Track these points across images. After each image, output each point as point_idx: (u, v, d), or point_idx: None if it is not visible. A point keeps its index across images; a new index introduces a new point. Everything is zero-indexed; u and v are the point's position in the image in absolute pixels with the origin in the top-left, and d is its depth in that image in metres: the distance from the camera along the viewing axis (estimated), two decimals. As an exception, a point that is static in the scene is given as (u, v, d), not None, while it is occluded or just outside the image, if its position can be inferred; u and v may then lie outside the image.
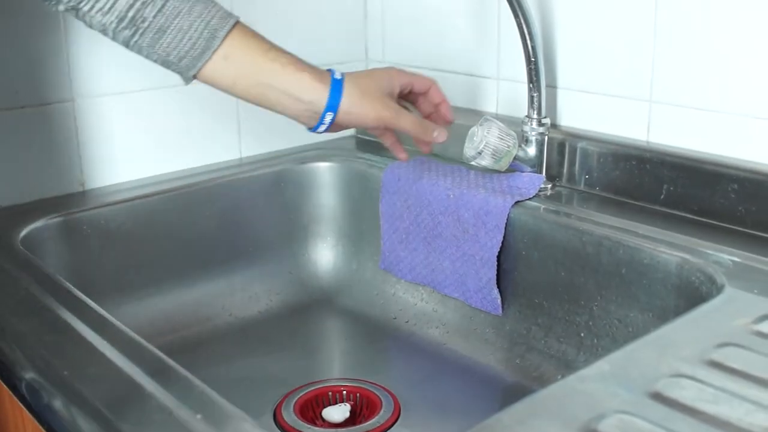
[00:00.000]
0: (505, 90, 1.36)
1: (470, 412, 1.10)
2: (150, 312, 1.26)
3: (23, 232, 1.11)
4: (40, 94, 1.23)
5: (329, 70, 1.06)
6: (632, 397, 0.68)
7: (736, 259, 0.97)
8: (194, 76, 1.03)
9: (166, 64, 1.02)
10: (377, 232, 1.33)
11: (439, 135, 1.10)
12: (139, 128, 1.33)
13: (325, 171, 1.44)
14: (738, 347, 0.76)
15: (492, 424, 0.66)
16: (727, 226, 1.08)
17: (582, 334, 1.12)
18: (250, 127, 1.45)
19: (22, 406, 0.81)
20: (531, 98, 1.20)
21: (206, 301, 1.30)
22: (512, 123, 1.23)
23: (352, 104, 1.05)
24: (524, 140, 1.21)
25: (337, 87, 1.04)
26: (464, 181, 1.23)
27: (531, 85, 1.19)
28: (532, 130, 1.21)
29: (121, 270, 1.24)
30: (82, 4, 0.97)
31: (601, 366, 0.74)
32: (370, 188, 1.37)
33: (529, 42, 1.17)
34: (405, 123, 1.08)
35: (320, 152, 1.47)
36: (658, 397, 0.68)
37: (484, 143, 1.12)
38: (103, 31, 1.00)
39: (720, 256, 0.98)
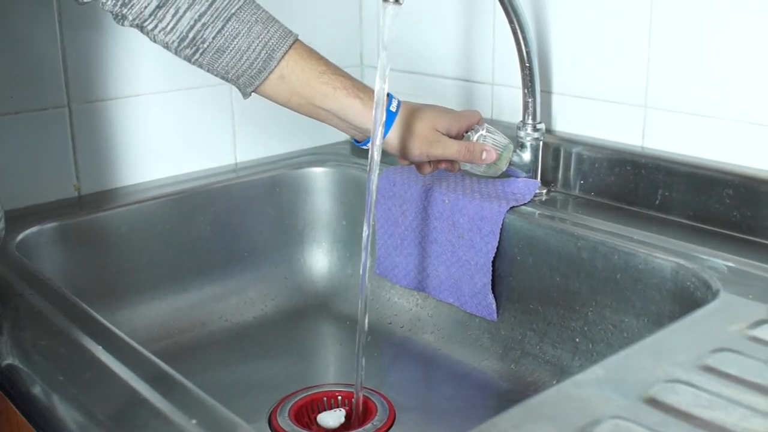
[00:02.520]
0: (499, 95, 1.36)
1: (465, 417, 1.10)
2: (145, 317, 1.25)
3: (18, 237, 1.11)
4: (36, 100, 1.23)
5: (389, 96, 1.09)
6: (627, 402, 0.69)
7: (731, 264, 0.97)
8: (251, 92, 1.09)
9: (225, 79, 1.08)
10: (372, 238, 1.33)
11: (488, 156, 1.13)
12: (134, 134, 1.33)
13: (320, 176, 1.44)
14: (733, 352, 0.76)
15: (487, 429, 0.66)
16: (722, 231, 1.08)
17: (577, 340, 1.12)
18: (245, 133, 1.46)
19: (18, 412, 0.81)
20: (526, 103, 1.20)
21: (201, 306, 1.30)
22: (507, 128, 1.23)
23: (397, 138, 1.10)
24: (519, 145, 1.21)
25: (387, 119, 1.09)
26: (459, 187, 1.23)
27: (526, 91, 1.20)
28: (527, 136, 1.21)
29: (117, 275, 1.24)
30: (146, 23, 1.03)
31: (596, 371, 0.74)
32: (365, 193, 1.36)
33: (523, 47, 1.17)
34: (450, 152, 1.12)
35: (315, 157, 1.47)
36: (653, 403, 0.68)
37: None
38: (166, 48, 1.05)
39: (715, 261, 0.98)
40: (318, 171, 1.44)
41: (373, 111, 1.02)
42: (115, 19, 1.04)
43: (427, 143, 1.10)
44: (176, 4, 1.01)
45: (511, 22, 1.16)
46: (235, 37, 1.04)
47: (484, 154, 1.12)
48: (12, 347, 0.86)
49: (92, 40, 1.26)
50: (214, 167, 1.43)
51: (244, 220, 1.37)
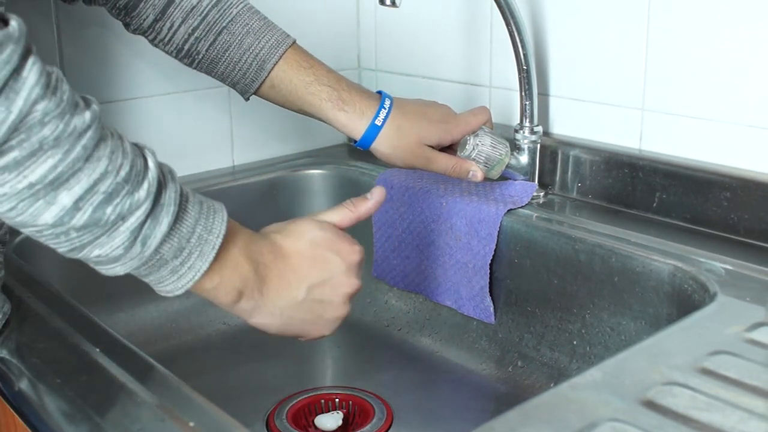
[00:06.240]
0: (497, 98, 1.36)
1: (462, 420, 1.10)
2: (143, 320, 1.25)
3: (16, 240, 1.11)
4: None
5: (381, 98, 1.10)
6: (625, 405, 0.69)
7: (728, 267, 0.97)
8: (249, 98, 1.13)
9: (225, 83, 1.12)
10: (370, 240, 1.33)
11: (474, 174, 1.13)
12: (131, 136, 1.31)
13: (317, 179, 1.44)
14: (730, 355, 0.76)
15: (485, 432, 0.66)
16: (720, 234, 1.08)
17: (574, 342, 1.12)
18: (242, 135, 1.45)
19: (15, 414, 0.81)
20: (523, 106, 1.20)
21: (199, 309, 1.30)
22: (505, 131, 1.23)
23: (384, 147, 1.11)
24: (517, 148, 1.21)
25: (371, 132, 1.09)
26: (457, 190, 1.23)
27: (523, 93, 1.20)
28: (525, 138, 1.21)
29: (114, 278, 1.23)
30: (146, 34, 1.08)
31: (594, 374, 0.74)
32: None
33: (520, 50, 1.17)
34: (438, 167, 1.13)
35: (313, 159, 1.47)
36: (651, 405, 0.68)
37: (477, 152, 1.12)
38: (170, 55, 1.10)
39: (712, 264, 0.98)
40: (315, 173, 1.44)
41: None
42: (122, 23, 1.08)
43: (412, 157, 1.11)
44: (171, 18, 1.05)
45: (508, 24, 1.16)
46: (226, 50, 1.07)
47: (470, 174, 1.12)
48: (10, 350, 0.85)
49: (89, 44, 1.26)
50: (212, 170, 1.43)
51: (241, 223, 1.36)
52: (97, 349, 0.83)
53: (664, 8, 1.12)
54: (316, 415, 1.11)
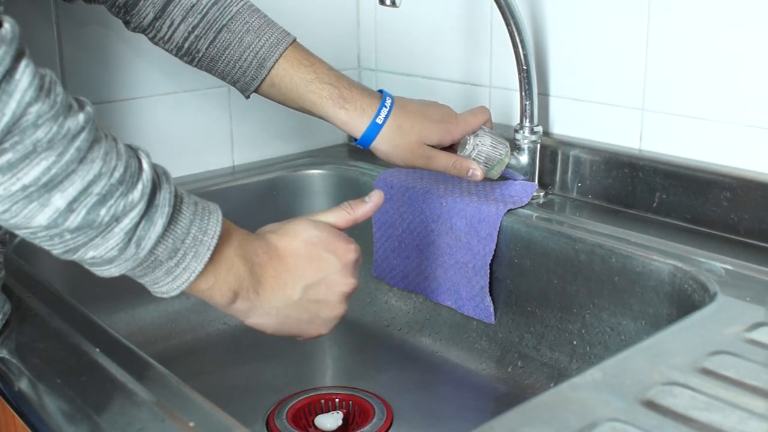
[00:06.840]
0: (497, 98, 1.36)
1: (462, 420, 1.10)
2: (143, 320, 1.25)
3: (16, 241, 1.11)
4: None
5: (382, 96, 1.10)
6: (624, 405, 0.69)
7: (728, 267, 0.97)
8: (249, 96, 1.13)
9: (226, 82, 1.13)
10: (370, 240, 1.33)
11: (474, 173, 1.12)
12: (131, 137, 1.33)
13: (317, 178, 1.43)
14: (730, 355, 0.76)
15: (485, 432, 0.66)
16: (720, 234, 1.08)
17: (574, 342, 1.12)
18: (242, 135, 1.45)
19: (15, 414, 0.81)
20: (523, 106, 1.20)
21: (199, 309, 1.30)
22: (505, 131, 1.23)
23: (384, 146, 1.11)
24: (517, 148, 1.21)
25: (372, 130, 1.10)
26: (457, 189, 1.23)
27: (523, 93, 1.20)
28: (525, 138, 1.21)
29: (114, 278, 1.23)
30: (146, 32, 1.08)
31: (594, 374, 0.74)
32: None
33: (520, 50, 1.17)
34: (438, 166, 1.13)
35: (312, 159, 1.47)
36: (651, 405, 0.68)
37: (477, 152, 1.12)
38: (170, 53, 1.10)
39: (712, 264, 0.98)
40: (315, 173, 1.44)
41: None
42: (122, 22, 1.08)
43: (412, 156, 1.11)
44: (171, 16, 1.05)
45: (508, 24, 1.16)
46: (226, 48, 1.07)
47: (470, 172, 1.12)
48: (10, 350, 0.85)
49: (89, 43, 1.26)
50: (212, 170, 1.43)
51: (241, 223, 1.36)
52: (97, 349, 0.83)
53: (664, 8, 1.12)
54: (316, 415, 1.11)
